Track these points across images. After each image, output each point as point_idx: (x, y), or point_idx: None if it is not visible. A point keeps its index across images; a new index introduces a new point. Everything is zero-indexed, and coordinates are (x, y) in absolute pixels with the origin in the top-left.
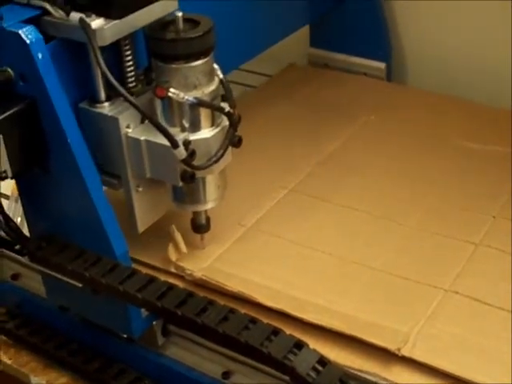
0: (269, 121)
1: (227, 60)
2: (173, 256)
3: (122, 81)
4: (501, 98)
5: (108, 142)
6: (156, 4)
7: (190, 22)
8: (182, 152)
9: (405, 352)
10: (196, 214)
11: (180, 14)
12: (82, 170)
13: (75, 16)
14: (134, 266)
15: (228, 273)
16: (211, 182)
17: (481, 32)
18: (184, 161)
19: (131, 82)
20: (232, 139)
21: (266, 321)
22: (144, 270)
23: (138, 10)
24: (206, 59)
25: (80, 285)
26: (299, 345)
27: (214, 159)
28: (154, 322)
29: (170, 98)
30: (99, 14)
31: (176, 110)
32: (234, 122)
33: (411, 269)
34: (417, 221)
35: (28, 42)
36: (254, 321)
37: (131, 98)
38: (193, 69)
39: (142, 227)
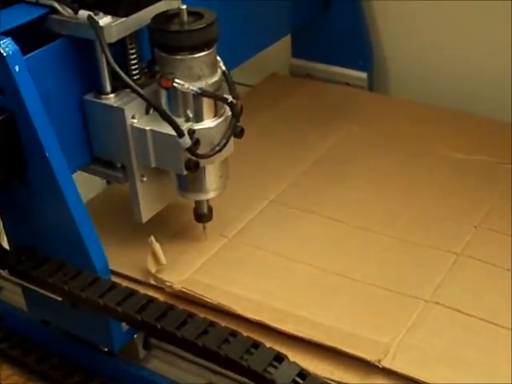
0: (251, 131)
1: None
2: (152, 268)
3: (127, 73)
4: (484, 106)
5: (113, 133)
6: (161, 3)
7: (194, 15)
8: (186, 141)
9: (385, 363)
10: (198, 203)
11: (184, 6)
12: (61, 183)
13: (83, 14)
14: (113, 278)
15: (208, 284)
16: (213, 172)
17: (462, 41)
18: (189, 149)
19: (135, 75)
20: (234, 129)
21: (246, 332)
22: (124, 283)
23: (144, 8)
24: (209, 51)
25: (60, 298)
26: (279, 358)
27: (218, 148)
28: (135, 336)
29: (174, 88)
30: (106, 12)
31: (180, 100)
32: (237, 113)
33: (392, 279)
34: (399, 231)
35: (5, 54)
36: (234, 334)
37: (139, 89)
38: (197, 60)
39: (145, 217)
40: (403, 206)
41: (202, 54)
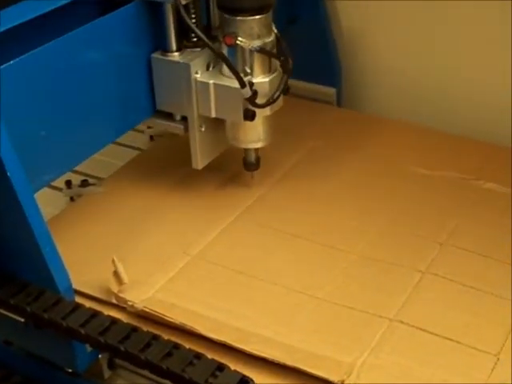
0: None
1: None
2: (114, 287)
3: (187, 36)
4: (453, 123)
5: (178, 87)
6: None
7: None
8: (247, 91)
9: None
10: (247, 152)
11: None
12: (23, 203)
13: None
14: (76, 297)
15: (171, 303)
16: (263, 123)
17: (431, 55)
18: (249, 99)
19: (195, 37)
20: (286, 85)
21: (209, 352)
22: (87, 302)
23: None
24: (267, 13)
25: (22, 320)
26: (245, 381)
27: (272, 100)
28: (100, 356)
29: (237, 45)
30: None
31: (240, 56)
32: (288, 70)
33: (356, 298)
34: (363, 249)
35: None
36: (198, 356)
37: (211, 44)
38: (257, 21)
39: (202, 164)
40: (368, 222)
41: (262, 16)
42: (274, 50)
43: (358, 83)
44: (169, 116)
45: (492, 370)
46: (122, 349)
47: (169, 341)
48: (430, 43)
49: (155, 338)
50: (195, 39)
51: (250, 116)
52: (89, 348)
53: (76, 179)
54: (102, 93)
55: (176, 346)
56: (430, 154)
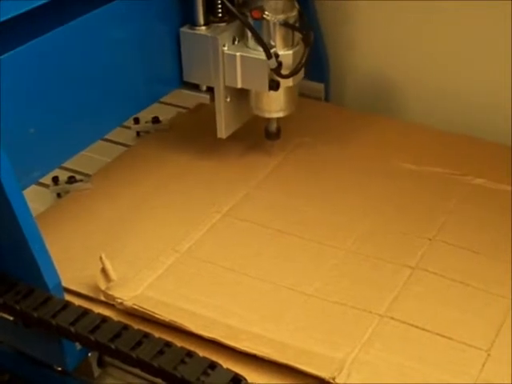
0: (203, 144)
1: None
2: (102, 284)
3: (214, 11)
4: (440, 118)
5: (206, 59)
6: None
7: None
8: (273, 62)
9: (340, 380)
10: (270, 121)
11: None
12: (11, 200)
13: None
14: (65, 295)
15: (160, 301)
16: (286, 94)
17: (419, 52)
18: (274, 70)
19: (220, 12)
20: (308, 57)
21: (200, 349)
22: (75, 300)
23: None
24: None
25: (11, 318)
26: (237, 379)
27: (295, 71)
28: (90, 354)
29: (263, 19)
30: None
31: (265, 30)
32: (310, 43)
33: (346, 294)
34: (352, 244)
35: None
36: (190, 354)
37: (242, 17)
38: None
39: (227, 133)
40: (357, 218)
41: None
42: (297, 24)
43: (345, 78)
44: (195, 87)
45: (483, 366)
46: (113, 347)
47: (160, 339)
48: (418, 40)
49: (146, 336)
50: (220, 14)
51: (274, 86)
52: (78, 346)
53: (63, 175)
54: (127, 70)
55: (168, 344)
56: (417, 149)
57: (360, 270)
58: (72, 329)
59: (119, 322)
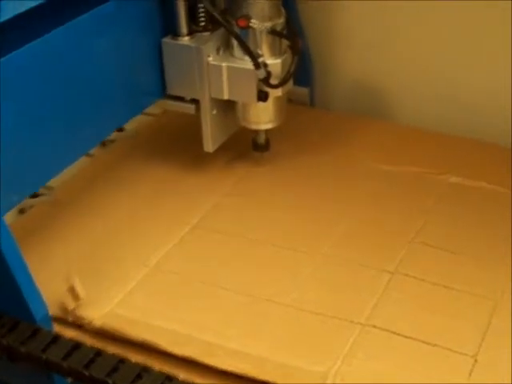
0: (176, 151)
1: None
2: (70, 304)
3: (196, 19)
4: (415, 117)
5: (190, 71)
6: None
7: None
8: (262, 72)
9: None
10: (258, 133)
11: None
12: None
13: None
14: None
15: (131, 318)
16: (274, 104)
17: (405, 54)
18: (263, 80)
19: (203, 21)
20: (296, 65)
21: (178, 365)
22: None
23: None
24: None
25: None
26: None
27: (284, 80)
28: None
29: (249, 27)
30: None
31: (252, 38)
32: (298, 50)
33: (325, 303)
34: (328, 251)
35: None
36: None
37: (230, 27)
38: (268, 3)
39: (213, 147)
40: (333, 222)
41: None
42: (284, 32)
43: (329, 82)
44: (179, 97)
45: (470, 373)
46: (111, 382)
47: (136, 364)
48: (406, 42)
49: (146, 369)
50: (203, 23)
51: (263, 97)
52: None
53: None
54: (108, 82)
55: (145, 370)
56: (391, 149)
57: (338, 276)
58: (64, 364)
59: (114, 355)
